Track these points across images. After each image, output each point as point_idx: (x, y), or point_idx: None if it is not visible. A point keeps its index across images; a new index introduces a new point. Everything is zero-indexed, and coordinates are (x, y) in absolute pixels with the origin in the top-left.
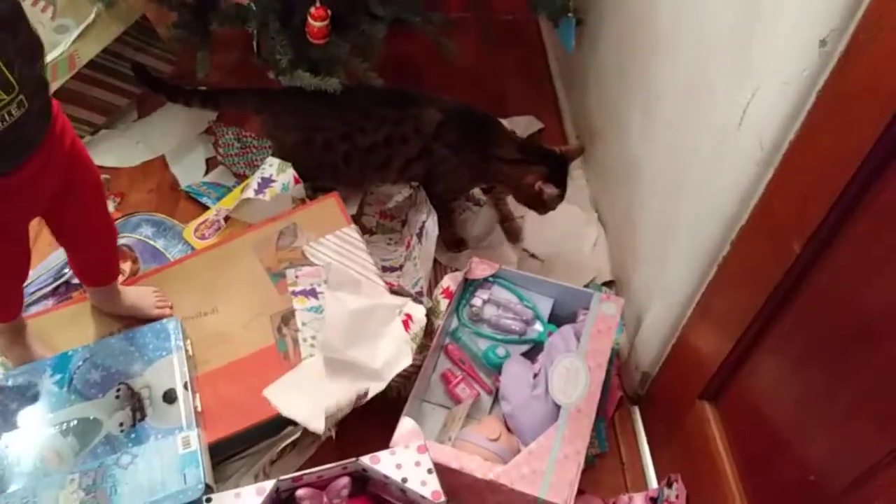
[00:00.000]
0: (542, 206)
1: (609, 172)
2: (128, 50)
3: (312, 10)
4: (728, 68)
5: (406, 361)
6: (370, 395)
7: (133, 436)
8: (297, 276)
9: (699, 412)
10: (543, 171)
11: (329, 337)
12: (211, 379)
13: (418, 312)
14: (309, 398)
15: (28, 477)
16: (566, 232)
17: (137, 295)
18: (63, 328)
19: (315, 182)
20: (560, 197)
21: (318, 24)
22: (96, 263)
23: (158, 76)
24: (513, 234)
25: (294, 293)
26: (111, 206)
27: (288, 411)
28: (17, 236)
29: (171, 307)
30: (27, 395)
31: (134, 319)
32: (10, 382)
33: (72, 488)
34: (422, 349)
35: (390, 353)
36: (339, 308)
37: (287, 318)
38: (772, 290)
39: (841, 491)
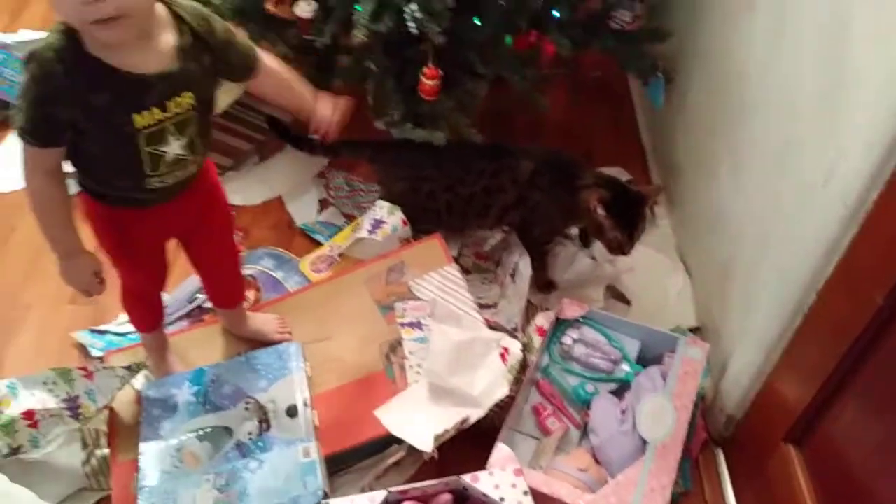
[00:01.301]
0: (606, 239)
1: (695, 222)
2: (254, 101)
3: (426, 69)
4: (815, 129)
5: (503, 392)
6: (472, 421)
7: (260, 444)
8: (404, 310)
9: (784, 455)
10: (604, 193)
11: (434, 365)
12: (326, 399)
13: (514, 347)
14: (418, 420)
15: (168, 475)
16: (653, 278)
17: (262, 321)
18: (197, 347)
19: (419, 226)
20: (628, 237)
21: (430, 82)
22: (225, 288)
23: (287, 127)
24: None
25: (402, 324)
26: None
27: (399, 432)
28: (157, 253)
29: (290, 333)
30: (168, 403)
31: (258, 342)
32: (152, 393)
33: (207, 487)
34: (516, 381)
35: (488, 383)
36: (443, 339)
37: (394, 346)
38: (855, 340)
39: None
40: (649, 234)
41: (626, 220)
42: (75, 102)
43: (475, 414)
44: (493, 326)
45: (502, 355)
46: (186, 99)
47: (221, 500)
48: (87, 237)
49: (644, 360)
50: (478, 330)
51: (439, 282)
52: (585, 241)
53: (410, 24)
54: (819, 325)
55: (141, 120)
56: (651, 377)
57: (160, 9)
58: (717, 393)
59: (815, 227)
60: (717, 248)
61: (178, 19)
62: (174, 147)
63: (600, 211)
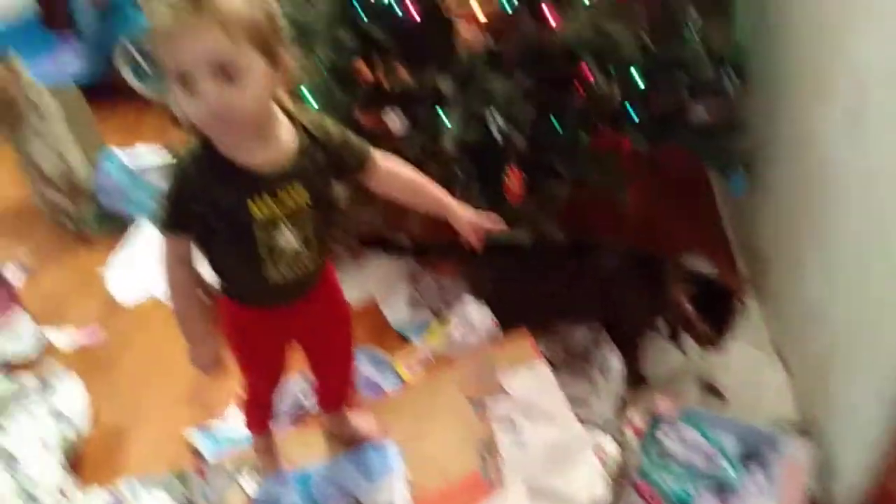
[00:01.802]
0: (696, 333)
1: (788, 314)
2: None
3: (510, 173)
4: None
5: (599, 490)
6: None
7: None
8: (496, 407)
9: None
10: (690, 288)
11: (529, 464)
12: (424, 500)
13: (610, 446)
14: None
15: None
16: (748, 373)
17: (361, 420)
18: (299, 447)
19: (508, 324)
20: (717, 331)
21: (514, 185)
22: (334, 392)
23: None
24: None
25: (494, 422)
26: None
27: None
28: (277, 354)
29: (386, 432)
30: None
31: (355, 441)
32: (261, 496)
33: None
34: (614, 481)
35: (585, 482)
36: (537, 438)
37: (489, 444)
38: None
39: None
40: (741, 327)
41: (714, 314)
42: (204, 197)
43: None
44: (584, 422)
45: (599, 456)
46: (300, 192)
47: None
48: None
49: (743, 457)
50: (571, 428)
51: (530, 378)
52: (674, 335)
53: (495, 132)
54: None
55: (256, 209)
56: (756, 482)
57: (279, 113)
58: (824, 494)
59: None
60: (813, 340)
61: (294, 122)
62: (290, 240)
63: (688, 306)
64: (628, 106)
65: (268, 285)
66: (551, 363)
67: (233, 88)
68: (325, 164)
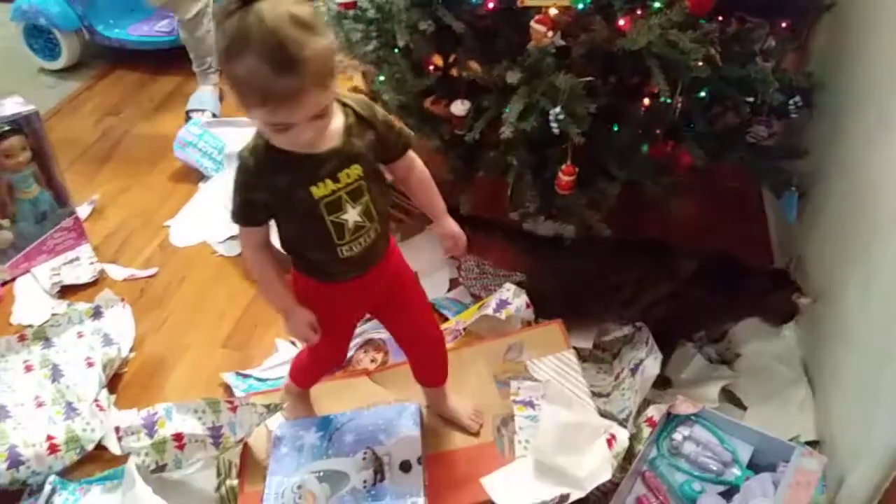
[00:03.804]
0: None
1: (822, 337)
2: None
3: (564, 167)
4: None
5: (606, 476)
6: (570, 500)
7: (373, 493)
8: (519, 388)
9: None
10: (792, 287)
11: (541, 442)
12: (436, 460)
13: (622, 435)
14: (518, 491)
15: None
16: (773, 387)
17: (462, 406)
18: (327, 396)
19: (558, 309)
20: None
21: (566, 178)
22: (427, 366)
23: None
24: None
25: (515, 401)
26: None
27: (500, 500)
28: (347, 328)
29: (481, 425)
30: (296, 444)
31: (383, 401)
32: (283, 432)
33: None
34: (621, 469)
35: (593, 466)
36: (553, 419)
37: (506, 420)
38: None
39: None
40: (774, 344)
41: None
42: (264, 187)
43: (575, 493)
44: (603, 414)
45: (609, 441)
46: (355, 170)
47: None
48: None
49: (756, 467)
50: (588, 415)
51: (556, 365)
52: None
53: (553, 124)
54: None
55: (317, 191)
56: (762, 483)
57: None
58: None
59: None
60: (842, 364)
61: (344, 105)
62: (352, 215)
63: (803, 301)
64: (690, 120)
65: (340, 259)
66: (579, 354)
67: (322, 122)
68: (374, 142)
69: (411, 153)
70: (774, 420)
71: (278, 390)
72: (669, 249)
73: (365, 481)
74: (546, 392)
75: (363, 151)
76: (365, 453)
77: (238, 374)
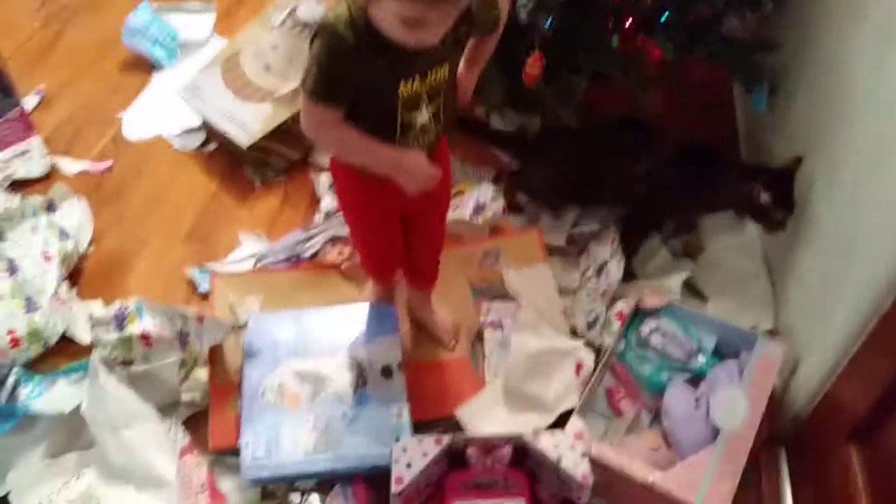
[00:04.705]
0: (769, 221)
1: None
2: None
3: (531, 57)
4: None
5: (573, 401)
6: (542, 427)
7: (356, 398)
8: (489, 308)
9: (845, 455)
10: (763, 181)
11: (511, 370)
12: (413, 369)
13: (588, 359)
14: (493, 424)
15: (271, 409)
16: (734, 279)
17: (442, 318)
18: (302, 289)
19: (548, 203)
20: (789, 211)
21: (533, 69)
22: (424, 268)
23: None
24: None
25: (484, 323)
26: (335, 203)
27: (476, 433)
28: (389, 223)
29: (457, 342)
30: (269, 339)
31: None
32: (254, 325)
33: (307, 429)
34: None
35: (561, 391)
36: (522, 348)
37: (481, 334)
38: None
39: None
40: (736, 237)
41: (782, 200)
42: (361, 65)
43: (546, 420)
44: (572, 329)
45: (577, 369)
46: (442, 72)
47: (321, 443)
48: None
49: (720, 355)
50: (555, 339)
51: (532, 278)
52: (682, 231)
53: (521, 11)
54: (890, 331)
55: (404, 88)
56: (728, 369)
57: None
58: (786, 392)
59: None
60: (803, 256)
61: None
62: (424, 115)
63: (764, 195)
64: (661, 11)
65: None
66: (551, 251)
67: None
68: (465, 35)
69: (497, 28)
70: (734, 311)
71: (245, 274)
72: (649, 128)
73: (347, 385)
74: (516, 318)
75: (452, 51)
76: (345, 356)
77: (202, 268)
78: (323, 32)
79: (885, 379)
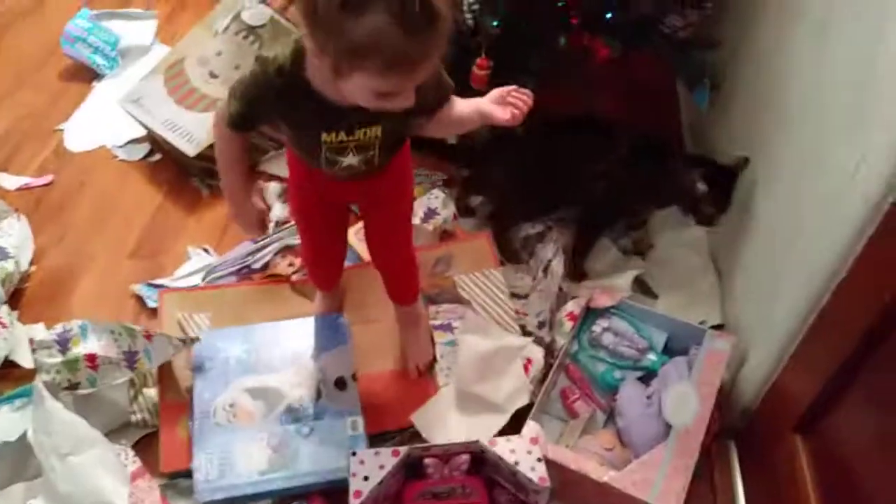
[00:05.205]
0: (701, 214)
1: (728, 224)
2: None
3: (479, 60)
4: (841, 137)
5: (525, 400)
6: (497, 430)
7: (311, 411)
8: (437, 312)
9: (790, 445)
10: (704, 171)
11: (461, 373)
12: (366, 381)
13: (538, 355)
14: (447, 428)
15: (222, 428)
16: (683, 275)
17: (419, 345)
18: (251, 304)
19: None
20: (721, 208)
21: (481, 72)
22: (393, 279)
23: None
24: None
25: (434, 326)
26: (285, 212)
27: (429, 437)
28: (335, 216)
29: (420, 372)
30: (219, 357)
31: (305, 312)
32: (204, 344)
33: (261, 445)
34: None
35: (511, 390)
36: (471, 350)
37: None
38: (862, 336)
39: None
40: (683, 234)
41: (720, 195)
42: (277, 111)
43: (500, 421)
44: (523, 327)
45: (526, 366)
46: (374, 131)
47: (275, 460)
48: None
49: (670, 352)
50: (504, 338)
51: (483, 283)
52: (633, 228)
53: (467, 15)
54: (831, 322)
55: (327, 137)
56: (677, 366)
57: None
58: (734, 386)
59: (837, 228)
60: (747, 250)
61: None
62: (350, 160)
63: (700, 185)
64: (606, 10)
65: (328, 172)
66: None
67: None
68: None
69: (448, 104)
70: (683, 306)
71: (194, 290)
72: (604, 127)
73: (301, 399)
74: (464, 320)
75: (393, 116)
76: (297, 369)
77: (150, 284)
78: (257, 65)
79: (827, 371)
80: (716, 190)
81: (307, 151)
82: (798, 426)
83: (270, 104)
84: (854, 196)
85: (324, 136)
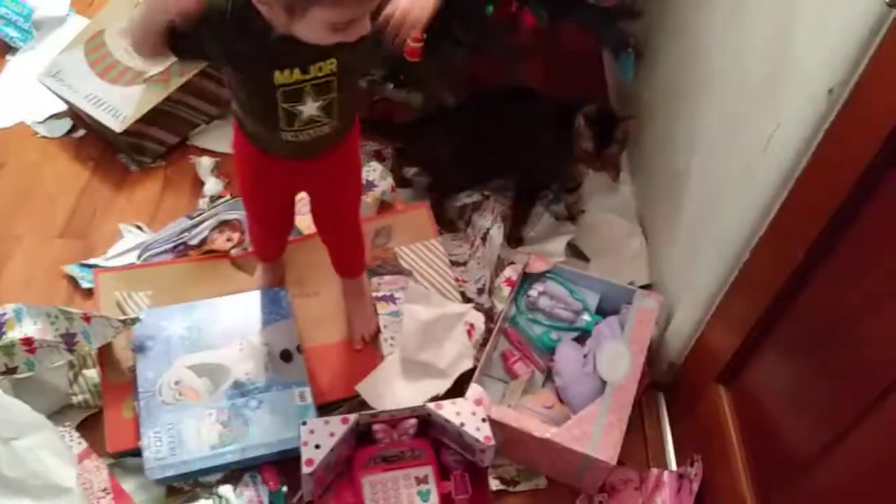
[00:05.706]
0: (580, 149)
1: (654, 189)
2: None
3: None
4: (758, 105)
5: (468, 364)
6: (441, 394)
7: (258, 385)
8: (379, 283)
9: (714, 395)
10: (590, 109)
11: (405, 342)
12: (312, 353)
13: (479, 321)
14: (394, 394)
15: (169, 407)
16: (612, 239)
17: (366, 317)
18: (189, 282)
19: (445, 186)
20: (596, 152)
21: (414, 44)
22: (336, 251)
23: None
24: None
25: (377, 298)
26: (220, 186)
27: (375, 404)
28: (281, 199)
29: (362, 346)
30: (161, 336)
31: (246, 287)
32: (144, 324)
33: (210, 421)
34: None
35: (455, 356)
36: (414, 319)
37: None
38: (777, 292)
39: (818, 453)
40: (612, 198)
41: (602, 137)
42: (221, 41)
43: (443, 386)
44: (464, 294)
45: (469, 331)
46: (329, 65)
47: (226, 435)
48: None
49: (603, 311)
50: (446, 306)
51: (423, 253)
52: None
53: None
54: (749, 279)
55: (280, 77)
56: (610, 325)
57: None
58: (662, 342)
59: (755, 190)
60: (672, 213)
61: None
62: (310, 108)
63: (581, 122)
64: None
65: (281, 141)
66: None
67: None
68: (371, 34)
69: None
70: (613, 269)
71: (131, 268)
72: (533, 94)
73: (247, 373)
74: (406, 292)
75: (346, 45)
76: (241, 344)
77: (82, 264)
78: None
79: (746, 324)
80: (598, 133)
81: (261, 103)
82: (721, 377)
83: (218, 32)
84: (771, 160)
85: (276, 76)
